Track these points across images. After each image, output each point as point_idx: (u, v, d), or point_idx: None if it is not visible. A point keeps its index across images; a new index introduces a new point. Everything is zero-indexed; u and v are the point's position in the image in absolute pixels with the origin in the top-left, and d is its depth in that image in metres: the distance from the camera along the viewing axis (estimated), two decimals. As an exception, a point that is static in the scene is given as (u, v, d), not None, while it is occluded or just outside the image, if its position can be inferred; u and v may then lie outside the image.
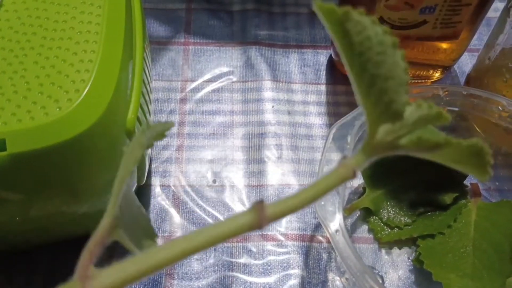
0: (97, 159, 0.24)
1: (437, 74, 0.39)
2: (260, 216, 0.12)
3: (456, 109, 0.32)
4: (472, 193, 0.33)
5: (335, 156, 0.28)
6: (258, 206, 0.12)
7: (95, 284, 0.11)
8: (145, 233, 0.15)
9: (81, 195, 0.25)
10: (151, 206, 0.33)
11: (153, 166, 0.34)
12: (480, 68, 0.36)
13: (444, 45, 0.37)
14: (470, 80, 0.38)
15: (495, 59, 0.34)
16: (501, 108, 0.30)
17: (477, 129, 0.36)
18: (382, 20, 0.34)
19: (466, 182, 0.34)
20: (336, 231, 0.25)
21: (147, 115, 0.28)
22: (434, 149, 0.13)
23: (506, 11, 0.32)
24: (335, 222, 0.25)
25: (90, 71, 0.23)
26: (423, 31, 0.35)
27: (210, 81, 0.39)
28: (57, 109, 0.22)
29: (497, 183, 0.34)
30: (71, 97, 0.22)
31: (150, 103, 0.29)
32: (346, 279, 0.30)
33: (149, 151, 0.30)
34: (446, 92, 0.31)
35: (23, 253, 0.30)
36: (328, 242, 0.31)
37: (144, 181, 0.30)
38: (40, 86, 0.22)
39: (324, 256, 0.31)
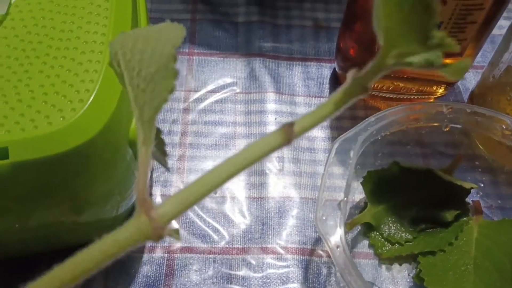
0: (99, 169, 0.24)
1: (440, 90, 0.39)
2: (289, 132, 0.13)
3: (459, 126, 0.32)
4: (474, 211, 0.33)
5: (337, 170, 0.28)
6: (287, 125, 0.13)
7: (159, 211, 0.12)
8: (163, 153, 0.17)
9: (82, 205, 0.25)
10: (152, 216, 0.32)
11: (154, 175, 0.34)
12: (484, 85, 0.36)
13: (448, 60, 0.37)
14: (474, 97, 0.38)
15: (500, 77, 0.34)
16: (504, 127, 0.30)
17: (480, 146, 0.36)
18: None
19: (468, 199, 0.34)
20: (337, 246, 0.25)
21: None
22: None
23: (511, 29, 0.32)
24: (336, 237, 0.25)
25: (94, 81, 0.23)
26: (427, 47, 0.35)
27: (213, 91, 0.39)
28: (61, 119, 0.22)
29: (499, 201, 0.34)
30: (75, 106, 0.22)
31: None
32: None
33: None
34: (450, 109, 0.31)
35: (21, 261, 0.30)
36: (328, 256, 0.31)
37: (145, 191, 0.30)
38: (45, 95, 0.22)
39: (324, 270, 0.31)
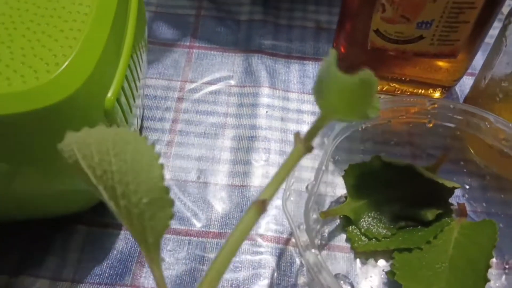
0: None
1: (436, 94, 0.39)
2: (262, 207, 0.16)
3: (444, 123, 0.31)
4: (459, 213, 0.33)
5: (308, 163, 0.28)
6: (258, 202, 0.16)
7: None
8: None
9: (56, 170, 0.26)
10: (133, 195, 0.33)
11: (141, 158, 0.35)
12: (476, 88, 0.36)
13: (443, 64, 0.37)
14: (467, 101, 0.37)
15: (490, 78, 0.33)
16: (488, 125, 0.30)
17: (471, 150, 0.36)
18: (378, 33, 0.34)
19: (453, 201, 0.33)
20: (299, 225, 0.24)
21: (131, 101, 0.29)
22: None
23: (503, 28, 0.32)
24: (300, 216, 0.25)
25: (72, 47, 0.24)
26: (419, 47, 0.35)
27: (208, 83, 0.40)
28: (35, 79, 0.23)
29: (484, 204, 0.33)
30: (50, 69, 0.23)
31: (137, 91, 0.30)
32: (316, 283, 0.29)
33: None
34: (434, 105, 0.31)
35: (5, 227, 0.30)
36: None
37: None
38: (23, 56, 0.23)
39: (297, 260, 0.31)
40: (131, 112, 0.29)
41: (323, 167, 0.27)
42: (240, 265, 0.30)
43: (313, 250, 0.23)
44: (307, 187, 0.26)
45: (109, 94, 0.26)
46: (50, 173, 0.26)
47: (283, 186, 0.31)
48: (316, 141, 0.29)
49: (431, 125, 0.31)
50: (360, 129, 0.30)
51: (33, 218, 0.31)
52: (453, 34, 0.34)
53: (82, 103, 0.24)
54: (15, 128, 0.23)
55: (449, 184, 0.31)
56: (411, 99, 0.31)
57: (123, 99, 0.27)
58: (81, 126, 0.25)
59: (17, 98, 0.22)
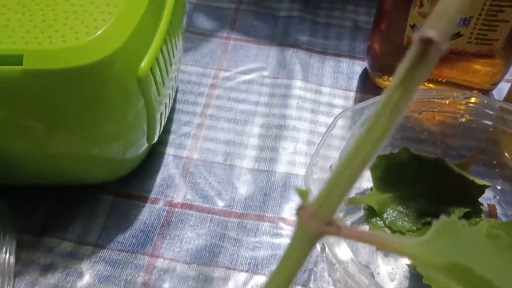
0: (107, 98, 0.26)
1: (473, 99, 0.38)
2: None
3: (487, 122, 0.31)
4: (488, 214, 0.32)
5: (337, 140, 0.28)
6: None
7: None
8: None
9: (89, 132, 0.27)
10: (160, 171, 0.34)
11: (171, 137, 0.36)
12: (514, 90, 0.35)
13: (481, 67, 0.36)
14: (504, 103, 0.36)
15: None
16: (522, 121, 0.29)
17: (505, 153, 0.35)
18: (415, 28, 0.34)
19: (484, 202, 0.32)
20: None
21: (164, 75, 0.29)
22: None
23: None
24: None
25: (111, 14, 0.25)
26: (457, 45, 0.34)
27: (242, 73, 0.40)
28: (75, 39, 0.24)
29: (516, 208, 0.32)
30: (89, 31, 0.24)
31: (171, 66, 0.31)
32: (338, 280, 0.29)
33: (163, 114, 0.31)
34: (469, 99, 0.30)
35: (29, 188, 0.32)
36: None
37: (155, 140, 0.31)
38: (66, 19, 0.25)
39: (318, 246, 0.30)
40: (164, 85, 0.30)
41: (349, 150, 0.27)
42: (259, 245, 0.30)
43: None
44: (330, 166, 0.26)
45: (143, 64, 0.27)
46: (82, 135, 0.27)
47: (307, 162, 0.30)
48: (342, 123, 0.29)
49: (463, 119, 0.30)
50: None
51: (62, 184, 0.32)
52: (491, 33, 0.33)
53: (117, 67, 0.25)
54: (53, 85, 0.24)
55: (479, 182, 0.31)
56: (445, 92, 0.30)
57: (157, 72, 0.28)
58: (115, 90, 0.26)
59: (57, 54, 0.23)
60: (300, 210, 0.10)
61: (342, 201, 0.10)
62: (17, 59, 0.23)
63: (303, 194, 0.10)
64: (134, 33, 0.26)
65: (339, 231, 0.10)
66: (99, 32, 0.24)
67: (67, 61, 0.23)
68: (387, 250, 0.10)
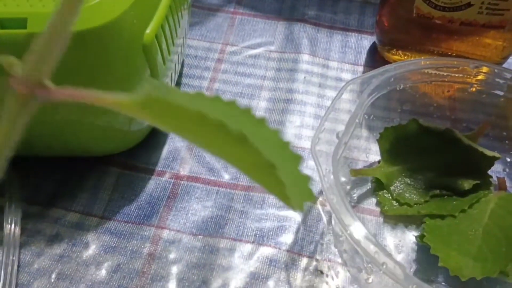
0: (112, 64, 0.25)
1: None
2: None
3: (497, 92, 0.30)
4: (498, 187, 0.31)
5: (345, 107, 0.27)
6: None
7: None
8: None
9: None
10: (167, 144, 0.33)
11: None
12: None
13: (491, 40, 0.36)
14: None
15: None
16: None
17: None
18: (426, 0, 0.33)
19: (493, 175, 0.32)
20: (327, 170, 0.24)
21: (170, 44, 0.29)
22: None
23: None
24: (328, 163, 0.24)
25: (116, -21, 0.25)
26: (467, 15, 0.34)
27: (249, 47, 0.40)
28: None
29: (526, 180, 0.31)
30: (93, -5, 0.24)
31: (176, 35, 0.30)
32: (345, 250, 0.29)
33: (169, 83, 0.31)
34: (480, 69, 0.30)
35: (37, 161, 0.32)
36: (332, 206, 0.31)
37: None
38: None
39: (325, 218, 0.30)
40: (169, 55, 0.29)
41: (357, 120, 0.27)
42: (265, 217, 0.30)
43: (337, 193, 0.23)
44: (337, 135, 0.26)
45: (148, 30, 0.26)
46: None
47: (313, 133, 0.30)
48: (349, 97, 0.28)
49: (473, 89, 0.30)
50: (397, 88, 0.29)
51: (69, 156, 0.31)
52: (502, 2, 0.33)
53: (122, 32, 0.25)
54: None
55: (489, 153, 0.30)
56: (455, 61, 0.30)
57: (162, 40, 0.28)
58: (120, 56, 0.26)
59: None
60: (11, 78, 0.10)
61: (51, 63, 0.10)
62: (22, 22, 0.23)
63: (10, 63, 0.10)
64: (137, 2, 0.25)
65: (49, 92, 0.10)
66: (100, -2, 0.24)
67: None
68: (105, 105, 0.10)
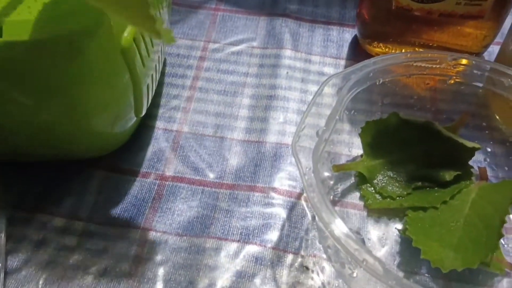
0: (90, 67, 0.25)
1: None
2: None
3: (476, 83, 0.30)
4: (479, 177, 0.32)
5: (328, 100, 0.28)
6: None
7: None
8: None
9: (75, 104, 0.27)
10: (151, 145, 0.34)
11: (160, 111, 0.36)
12: (503, 52, 0.34)
13: (471, 30, 0.36)
14: (495, 66, 0.36)
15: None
16: (511, 80, 0.28)
17: (496, 116, 0.34)
18: (403, -8, 0.34)
19: (475, 165, 0.32)
20: (308, 168, 0.24)
21: (149, 46, 0.29)
22: None
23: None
24: (308, 160, 0.25)
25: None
26: (446, 6, 0.34)
27: (231, 44, 0.40)
28: (55, 8, 0.23)
29: (506, 169, 0.32)
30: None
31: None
32: (328, 246, 0.29)
33: (150, 85, 0.31)
34: (456, 61, 0.30)
35: (20, 166, 0.32)
36: (316, 202, 0.31)
37: (143, 113, 0.31)
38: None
39: (309, 214, 0.31)
40: (149, 56, 0.29)
41: (337, 116, 0.27)
42: (251, 215, 0.30)
43: (318, 191, 0.23)
44: (317, 133, 0.26)
45: (125, 34, 0.26)
46: (69, 108, 0.27)
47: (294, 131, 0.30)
48: (331, 91, 0.28)
49: (452, 81, 0.30)
50: (377, 83, 0.30)
51: (53, 160, 0.31)
52: (481, -7, 0.33)
53: (99, 36, 0.25)
54: (35, 55, 0.24)
55: (469, 144, 0.30)
56: (434, 54, 0.30)
57: (141, 42, 0.28)
58: (98, 61, 0.26)
59: (36, 24, 0.23)
60: None
61: None
62: (-4, 33, 0.23)
63: None
64: None
65: None
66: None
67: (47, 31, 0.23)
68: None
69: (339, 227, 0.22)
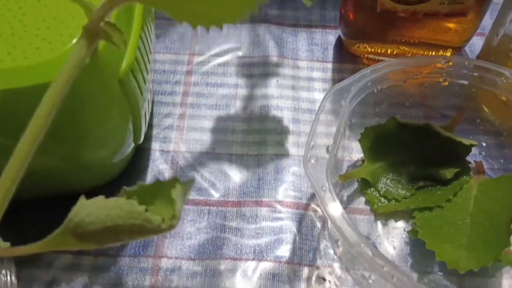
0: (89, 105, 0.25)
1: (447, 55, 0.39)
2: None
3: (458, 81, 0.31)
4: (476, 171, 0.33)
5: (329, 119, 0.28)
6: None
7: None
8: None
9: (75, 140, 0.26)
10: (149, 168, 0.33)
11: (154, 132, 0.35)
12: (488, 46, 0.35)
13: (452, 25, 0.37)
14: (480, 59, 0.37)
15: (503, 35, 0.33)
16: (504, 80, 0.29)
17: (485, 108, 0.35)
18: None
19: (471, 159, 0.33)
20: (322, 187, 0.24)
21: (145, 74, 0.28)
22: None
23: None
24: (322, 179, 0.25)
25: (85, 19, 0.24)
26: (430, 7, 0.34)
27: (217, 55, 0.40)
28: (51, 50, 0.22)
29: (501, 161, 0.33)
30: (64, 40, 0.23)
31: (149, 64, 0.30)
32: (338, 245, 0.29)
33: (147, 111, 0.30)
34: (449, 63, 0.30)
35: (22, 202, 0.30)
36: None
37: (141, 140, 0.31)
38: (37, 29, 0.23)
39: (318, 224, 0.31)
40: (145, 84, 0.29)
41: (341, 129, 0.27)
42: (261, 232, 0.30)
43: (337, 206, 0.23)
44: (327, 149, 0.26)
45: (123, 65, 0.26)
46: (69, 144, 0.26)
47: (303, 152, 0.30)
48: (331, 106, 0.28)
49: (446, 83, 0.31)
50: (375, 91, 0.30)
51: (54, 195, 0.31)
52: (463, -9, 0.33)
53: (97, 72, 0.24)
54: (34, 101, 0.23)
55: (466, 142, 0.31)
56: (426, 59, 0.30)
57: (137, 71, 0.27)
58: (98, 96, 0.25)
59: (34, 70, 0.22)
60: None
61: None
62: (-7, 80, 0.22)
63: None
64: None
65: None
66: (74, 40, 0.23)
67: (46, 75, 0.22)
68: None
69: (364, 249, 0.23)
